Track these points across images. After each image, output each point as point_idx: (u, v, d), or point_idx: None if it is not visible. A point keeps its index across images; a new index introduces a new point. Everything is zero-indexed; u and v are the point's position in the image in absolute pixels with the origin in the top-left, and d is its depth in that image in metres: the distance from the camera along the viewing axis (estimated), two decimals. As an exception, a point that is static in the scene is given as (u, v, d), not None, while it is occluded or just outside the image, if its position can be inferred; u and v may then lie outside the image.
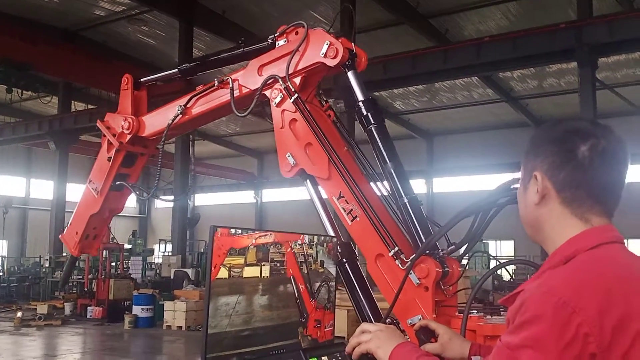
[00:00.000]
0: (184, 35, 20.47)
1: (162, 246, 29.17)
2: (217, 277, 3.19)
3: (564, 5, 17.77)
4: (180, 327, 16.43)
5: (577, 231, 1.43)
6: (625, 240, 1.46)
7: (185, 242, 24.29)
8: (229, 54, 3.88)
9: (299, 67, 3.22)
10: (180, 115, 3.88)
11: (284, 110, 3.20)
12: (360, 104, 3.11)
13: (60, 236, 4.71)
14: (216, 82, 3.67)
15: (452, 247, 2.71)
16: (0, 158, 31.43)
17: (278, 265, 3.56)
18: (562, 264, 1.39)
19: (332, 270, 3.83)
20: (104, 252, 21.09)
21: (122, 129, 4.16)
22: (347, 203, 2.96)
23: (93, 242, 4.47)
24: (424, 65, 15.67)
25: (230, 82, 3.51)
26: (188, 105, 3.85)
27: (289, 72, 3.17)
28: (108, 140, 4.25)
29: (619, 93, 20.37)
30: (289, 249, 3.49)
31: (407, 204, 2.85)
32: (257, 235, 3.58)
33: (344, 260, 2.88)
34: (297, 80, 3.21)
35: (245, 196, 35.73)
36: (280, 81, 3.19)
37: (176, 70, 4.23)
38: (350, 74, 3.19)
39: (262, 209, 36.44)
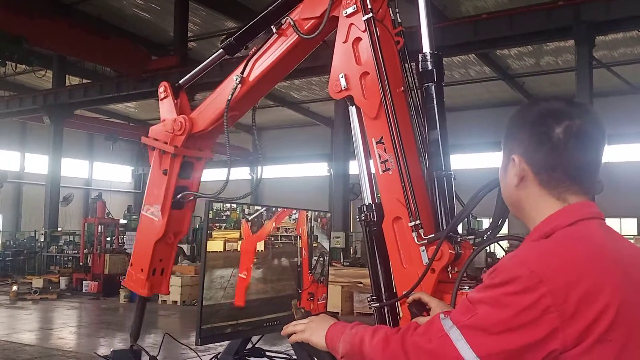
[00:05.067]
0: (179, 10, 20.29)
1: (158, 221, 29.13)
2: (213, 250, 3.24)
3: (563, -17, 17.65)
4: (176, 302, 16.56)
5: (556, 210, 1.46)
6: (619, 219, 1.48)
7: (181, 217, 24.26)
8: (277, 2, 3.31)
9: None
10: (239, 87, 3.39)
11: (351, 25, 2.87)
12: (428, 55, 2.78)
13: (122, 283, 4.12)
14: (274, 29, 3.25)
15: (471, 236, 2.58)
16: (-6, 132, 31.36)
17: (272, 239, 3.60)
18: (541, 239, 1.42)
19: (326, 244, 3.88)
20: (99, 227, 21.15)
21: (174, 132, 3.70)
22: (385, 152, 2.72)
23: (162, 278, 3.95)
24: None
25: (291, 21, 3.12)
26: (245, 74, 3.37)
27: None
28: (159, 152, 3.79)
29: (615, 72, 20.33)
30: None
31: (443, 178, 2.65)
32: (272, 219, 3.66)
33: (375, 222, 2.72)
34: None
35: (241, 173, 35.72)
36: None
37: (221, 50, 3.64)
38: None
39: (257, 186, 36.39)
